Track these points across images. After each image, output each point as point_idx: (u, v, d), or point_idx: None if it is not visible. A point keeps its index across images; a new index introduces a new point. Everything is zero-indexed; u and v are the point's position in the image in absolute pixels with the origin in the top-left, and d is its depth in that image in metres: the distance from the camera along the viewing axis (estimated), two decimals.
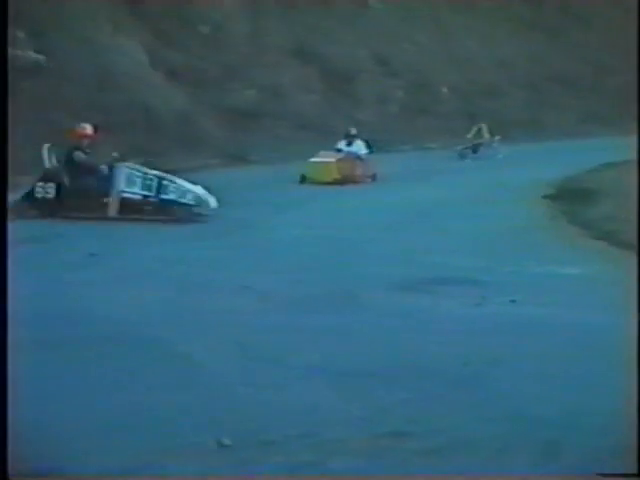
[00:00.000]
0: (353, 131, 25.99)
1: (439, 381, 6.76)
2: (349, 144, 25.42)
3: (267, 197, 19.12)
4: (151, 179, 17.00)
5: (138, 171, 17.33)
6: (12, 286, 6.03)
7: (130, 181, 16.94)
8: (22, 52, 24.27)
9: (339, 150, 25.15)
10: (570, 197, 19.39)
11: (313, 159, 24.31)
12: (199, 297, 9.79)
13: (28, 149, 19.54)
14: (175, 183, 17.02)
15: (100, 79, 25.53)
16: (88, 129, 17.96)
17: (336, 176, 23.98)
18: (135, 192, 16.74)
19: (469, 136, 30.39)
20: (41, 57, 24.73)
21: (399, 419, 5.89)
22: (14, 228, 7.37)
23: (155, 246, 13.36)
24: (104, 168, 17.23)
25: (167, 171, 17.37)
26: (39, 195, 16.72)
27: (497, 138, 30.30)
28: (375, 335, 8.32)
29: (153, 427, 5.70)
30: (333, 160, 24.46)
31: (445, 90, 36.74)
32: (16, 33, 24.13)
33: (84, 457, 5.14)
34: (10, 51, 23.64)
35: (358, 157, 25.22)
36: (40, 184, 16.74)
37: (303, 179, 23.75)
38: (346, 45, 33.42)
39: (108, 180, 16.97)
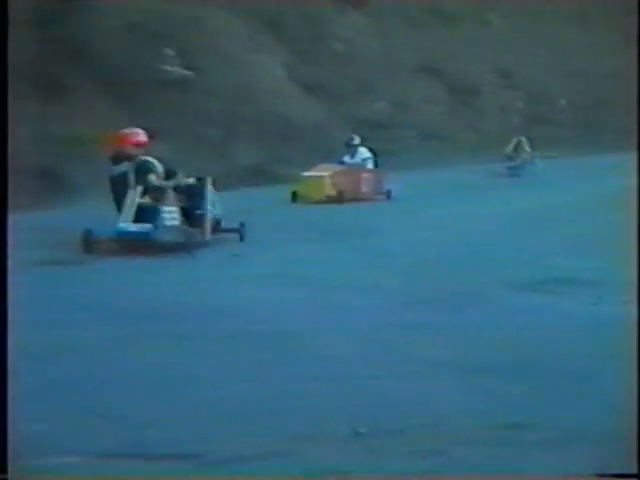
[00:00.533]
0: (356, 140, 22.23)
1: (559, 375, 6.66)
2: (353, 156, 21.90)
3: (392, 202, 19.09)
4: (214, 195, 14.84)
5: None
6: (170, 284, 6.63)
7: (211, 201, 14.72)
8: (171, 68, 24.57)
9: (342, 163, 21.86)
10: None
11: (306, 173, 20.82)
12: (330, 295, 9.80)
13: (175, 160, 19.80)
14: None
15: (242, 93, 25.73)
16: (142, 135, 14.91)
17: (330, 193, 20.43)
18: (213, 211, 14.55)
19: (508, 151, 27.47)
20: (189, 73, 24.95)
21: (519, 411, 5.78)
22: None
23: (289, 248, 13.38)
24: (198, 188, 14.55)
25: None
26: (168, 222, 13.70)
27: (536, 153, 27.62)
28: (496, 332, 8.22)
29: (291, 415, 5.70)
30: (326, 174, 20.89)
31: (563, 102, 36.41)
32: (166, 51, 24.46)
33: (227, 441, 5.15)
34: (160, 67, 24.13)
35: (366, 170, 21.85)
36: (167, 209, 13.81)
37: (294, 197, 20.29)
38: (470, 60, 33.28)
39: (202, 200, 14.40)
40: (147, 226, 13.28)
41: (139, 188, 13.94)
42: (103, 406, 5.71)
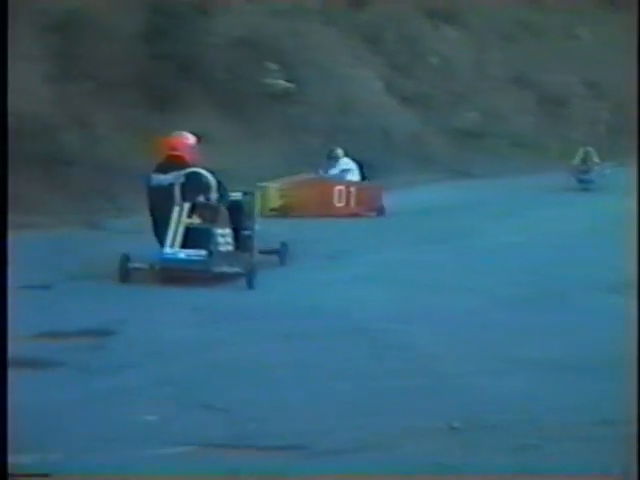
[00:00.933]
0: (338, 152, 19.59)
1: None
2: (331, 167, 19.29)
3: (483, 207, 18.98)
4: None
5: None
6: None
7: None
8: (274, 81, 24.70)
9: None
10: None
11: (260, 183, 17.13)
12: (424, 296, 9.76)
13: (278, 167, 19.93)
14: None
15: (342, 104, 25.79)
16: (191, 139, 12.12)
17: (274, 205, 17.83)
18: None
19: (576, 162, 25.28)
20: (291, 85, 25.04)
21: (607, 408, 5.70)
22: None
23: (382, 251, 13.29)
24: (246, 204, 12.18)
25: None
26: (222, 248, 11.14)
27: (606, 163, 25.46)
28: (585, 332, 8.14)
29: (388, 410, 5.69)
30: (275, 185, 18.29)
31: None
32: (269, 65, 24.61)
33: (324, 435, 5.16)
34: (264, 80, 24.30)
35: (343, 183, 18.95)
36: (220, 231, 11.18)
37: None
38: (558, 72, 32.99)
39: (250, 219, 12.09)
40: (201, 253, 10.64)
41: (186, 205, 10.96)
42: (213, 399, 5.76)
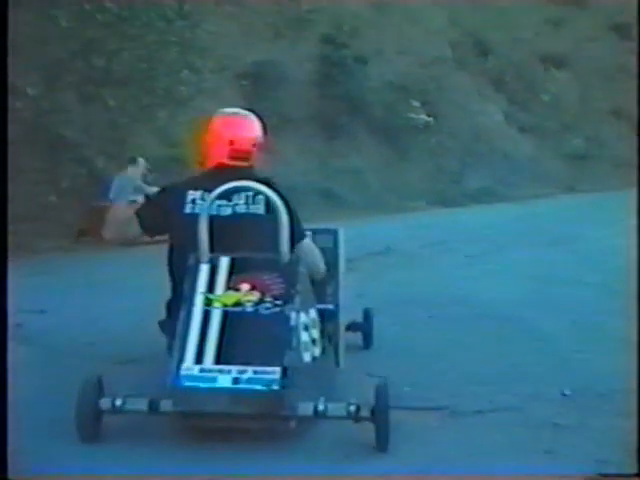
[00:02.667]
0: (139, 160, 15.13)
1: None
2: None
3: (589, 216, 18.62)
4: None
5: None
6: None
7: None
8: (417, 115, 24.66)
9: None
10: None
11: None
12: (551, 289, 9.58)
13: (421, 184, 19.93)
14: None
15: (471, 134, 25.65)
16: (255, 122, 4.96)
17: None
18: None
19: None
20: (430, 119, 24.97)
21: None
22: None
23: (515, 250, 13.09)
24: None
25: None
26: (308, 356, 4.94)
27: None
28: None
29: (516, 380, 5.64)
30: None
31: None
32: (413, 103, 24.61)
33: (470, 398, 5.15)
34: (409, 115, 24.29)
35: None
36: (305, 319, 4.43)
37: None
38: None
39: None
40: (271, 371, 3.99)
41: (225, 261, 4.41)
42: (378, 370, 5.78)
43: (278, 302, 4.21)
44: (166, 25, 15.26)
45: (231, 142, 4.75)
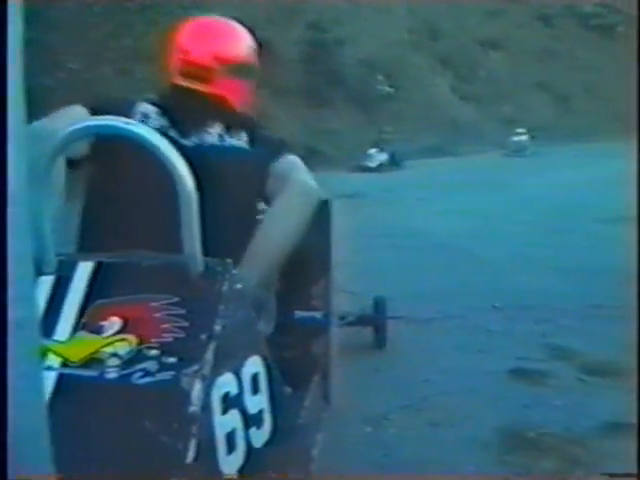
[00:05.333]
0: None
1: None
2: None
3: (520, 168, 18.48)
4: None
5: None
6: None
7: None
8: (381, 87, 24.51)
9: None
10: None
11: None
12: (491, 224, 9.49)
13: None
14: None
15: (424, 102, 25.50)
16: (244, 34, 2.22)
17: None
18: None
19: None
20: (392, 90, 24.80)
21: None
22: None
23: (461, 194, 13.02)
24: None
25: None
26: None
27: None
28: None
29: (460, 294, 5.61)
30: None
31: None
32: (378, 77, 24.40)
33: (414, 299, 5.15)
34: (376, 86, 24.06)
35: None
36: None
37: None
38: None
39: None
40: None
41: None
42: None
43: (170, 359, 1.44)
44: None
45: (185, 52, 2.16)
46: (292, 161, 2.06)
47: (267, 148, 2.04)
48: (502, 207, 11.43)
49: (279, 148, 2.08)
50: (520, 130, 24.14)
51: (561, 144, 24.44)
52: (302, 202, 1.94)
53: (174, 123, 1.99)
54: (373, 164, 18.66)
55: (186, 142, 1.94)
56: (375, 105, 23.41)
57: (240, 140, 2.03)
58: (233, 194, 1.94)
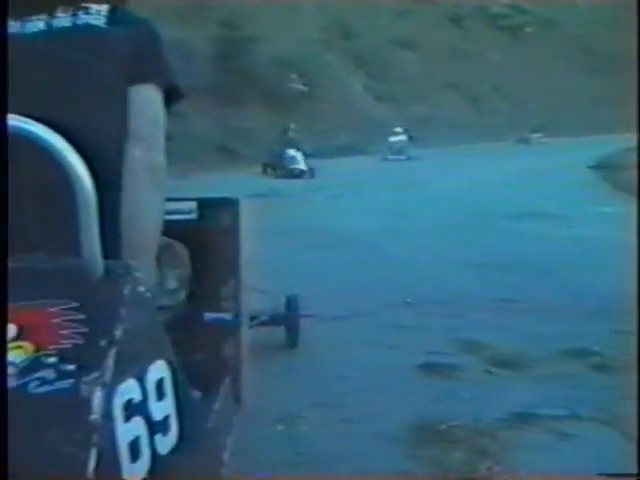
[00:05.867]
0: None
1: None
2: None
3: (431, 166, 18.75)
4: None
5: None
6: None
7: None
8: (294, 85, 24.58)
9: None
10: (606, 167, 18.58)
11: None
12: (399, 222, 9.68)
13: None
14: None
15: (338, 100, 25.66)
16: None
17: None
18: None
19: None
20: (305, 88, 24.90)
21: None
22: None
23: (372, 192, 13.10)
24: None
25: None
26: None
27: None
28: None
29: (372, 291, 5.68)
30: None
31: None
32: (292, 75, 24.47)
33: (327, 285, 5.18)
34: (289, 84, 24.11)
35: None
36: None
37: None
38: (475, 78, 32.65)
39: None
40: None
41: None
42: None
43: (69, 366, 1.36)
44: None
45: None
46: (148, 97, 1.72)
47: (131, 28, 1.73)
48: (413, 205, 11.62)
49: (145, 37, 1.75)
50: (398, 130, 23.09)
51: (471, 142, 25.00)
52: (149, 182, 1.69)
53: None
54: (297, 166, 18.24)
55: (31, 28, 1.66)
56: (289, 103, 23.46)
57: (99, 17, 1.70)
58: (90, 75, 1.67)
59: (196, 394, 1.71)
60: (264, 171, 17.77)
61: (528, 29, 37.77)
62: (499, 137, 26.59)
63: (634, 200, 12.07)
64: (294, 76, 24.71)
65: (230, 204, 2.22)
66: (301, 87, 24.83)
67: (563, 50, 37.49)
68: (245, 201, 2.37)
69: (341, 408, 3.34)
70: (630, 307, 4.94)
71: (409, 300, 5.34)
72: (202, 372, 1.81)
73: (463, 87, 32.59)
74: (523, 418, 3.18)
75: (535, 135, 28.34)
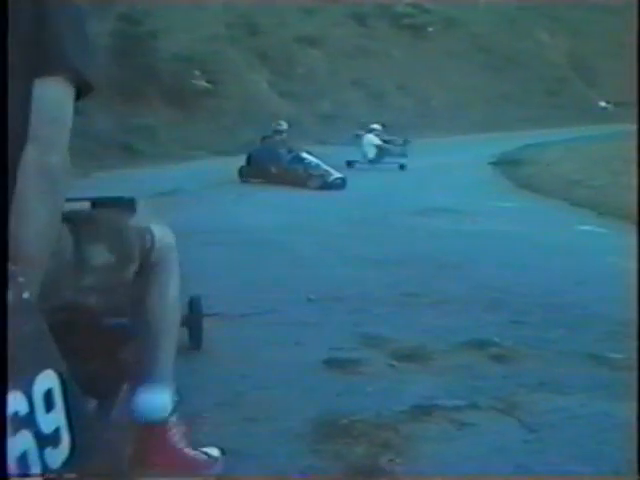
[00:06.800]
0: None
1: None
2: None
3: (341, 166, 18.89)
4: None
5: None
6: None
7: None
8: (198, 82, 24.39)
9: None
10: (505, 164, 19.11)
11: None
12: (302, 219, 9.68)
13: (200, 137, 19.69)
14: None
15: (242, 97, 25.57)
16: None
17: None
18: None
19: None
20: (209, 85, 24.73)
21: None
22: None
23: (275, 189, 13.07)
24: None
25: None
26: None
27: None
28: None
29: (274, 288, 5.66)
30: None
31: None
32: (195, 72, 24.26)
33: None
34: (192, 81, 23.87)
35: None
36: None
37: None
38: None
39: None
40: None
41: None
42: None
43: None
44: None
45: None
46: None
47: None
48: (314, 201, 11.69)
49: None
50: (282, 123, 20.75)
51: None
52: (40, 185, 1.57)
53: None
54: None
55: None
56: (192, 100, 23.23)
57: None
58: None
59: (90, 403, 1.65)
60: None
61: (430, 28, 38.51)
62: (402, 134, 26.97)
63: (532, 196, 12.54)
64: (197, 73, 24.46)
65: (125, 204, 2.11)
66: (204, 84, 24.60)
67: (464, 49, 38.40)
68: (144, 200, 2.26)
69: (244, 407, 3.32)
70: (530, 299, 5.12)
71: (312, 297, 5.34)
72: (98, 380, 1.75)
73: (367, 85, 32.93)
74: (424, 410, 3.23)
75: None
